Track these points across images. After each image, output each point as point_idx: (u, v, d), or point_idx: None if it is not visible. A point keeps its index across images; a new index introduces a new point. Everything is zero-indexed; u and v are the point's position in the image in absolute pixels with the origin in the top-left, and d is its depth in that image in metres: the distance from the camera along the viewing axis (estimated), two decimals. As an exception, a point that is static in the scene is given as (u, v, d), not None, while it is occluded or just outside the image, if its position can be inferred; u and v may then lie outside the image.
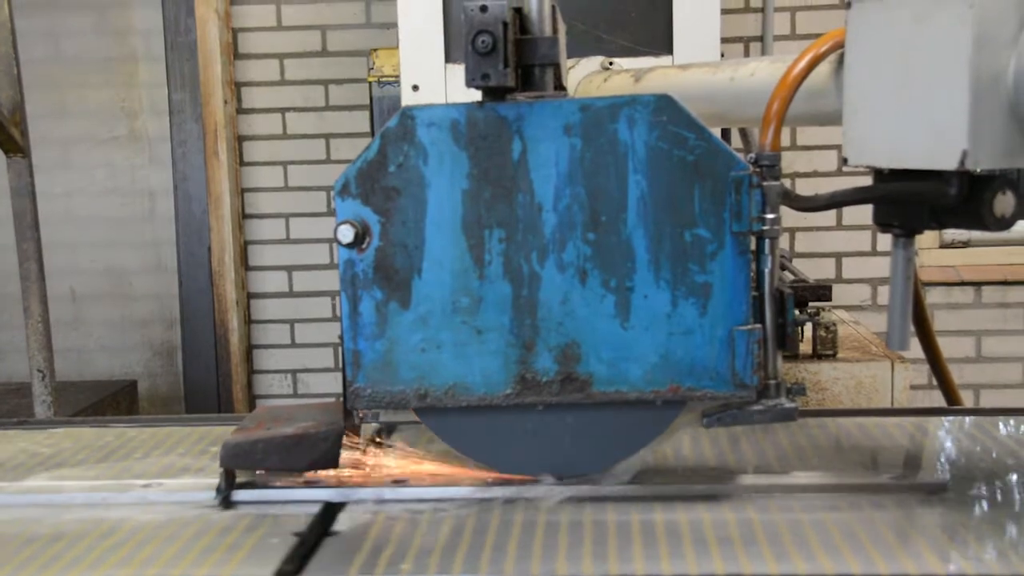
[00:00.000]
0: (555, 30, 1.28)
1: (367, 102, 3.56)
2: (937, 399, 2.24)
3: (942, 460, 1.44)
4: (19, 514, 1.31)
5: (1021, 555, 1.10)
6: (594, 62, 2.28)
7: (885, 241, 1.27)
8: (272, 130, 4.47)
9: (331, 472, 1.35)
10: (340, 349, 1.29)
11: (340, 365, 1.29)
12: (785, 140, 4.19)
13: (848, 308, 4.02)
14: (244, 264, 4.54)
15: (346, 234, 1.25)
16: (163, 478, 1.40)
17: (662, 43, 2.72)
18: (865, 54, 1.18)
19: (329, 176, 4.34)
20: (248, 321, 4.56)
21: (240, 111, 4.46)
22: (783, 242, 4.18)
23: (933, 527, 1.18)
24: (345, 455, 1.36)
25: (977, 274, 4.29)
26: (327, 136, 4.46)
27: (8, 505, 1.34)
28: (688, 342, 1.25)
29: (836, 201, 1.29)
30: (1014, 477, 1.34)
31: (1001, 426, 1.56)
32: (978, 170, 1.08)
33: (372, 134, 3.71)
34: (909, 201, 1.21)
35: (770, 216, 1.23)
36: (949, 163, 1.07)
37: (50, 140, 4.44)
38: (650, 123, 1.23)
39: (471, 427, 1.32)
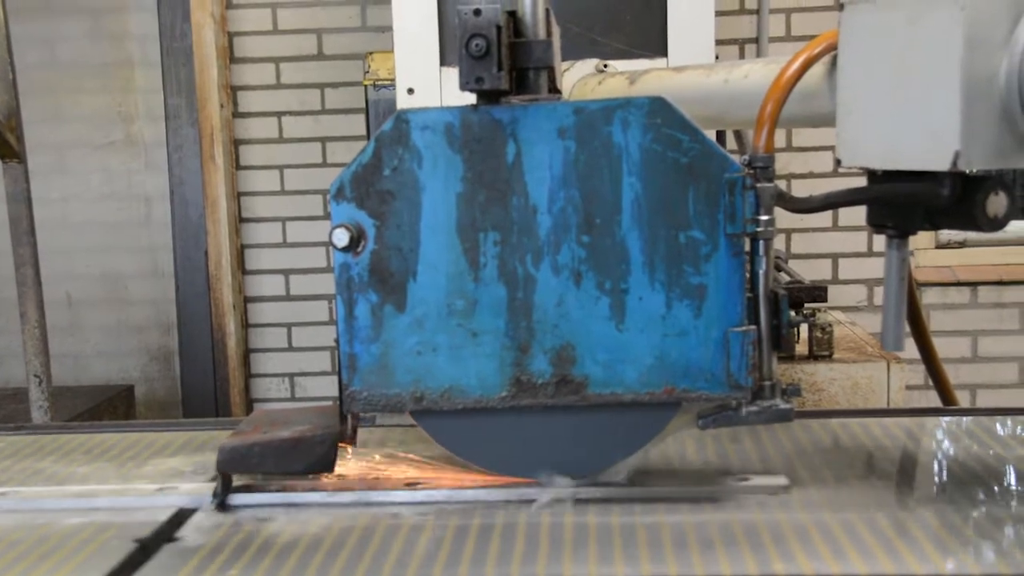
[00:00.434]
0: (549, 33, 1.28)
1: (363, 106, 3.56)
2: (933, 399, 2.24)
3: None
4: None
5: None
6: (589, 65, 2.28)
7: (881, 242, 1.28)
8: (268, 134, 4.48)
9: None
10: (336, 353, 1.30)
11: (337, 369, 1.29)
12: (781, 141, 4.21)
13: (844, 309, 4.03)
14: (241, 268, 4.54)
15: (341, 238, 1.25)
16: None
17: (657, 45, 2.72)
18: (858, 56, 1.19)
19: (325, 180, 4.34)
20: (245, 325, 4.56)
21: (236, 115, 4.47)
22: (779, 243, 4.20)
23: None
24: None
25: (973, 274, 4.29)
26: (323, 140, 4.46)
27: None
28: (683, 344, 1.25)
29: (830, 202, 1.29)
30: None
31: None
32: (971, 171, 1.09)
33: (368, 137, 3.71)
34: (903, 202, 1.22)
35: (764, 218, 1.23)
36: (942, 164, 1.07)
37: (46, 145, 4.44)
38: (644, 125, 1.23)
39: (467, 430, 1.32)
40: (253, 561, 1.14)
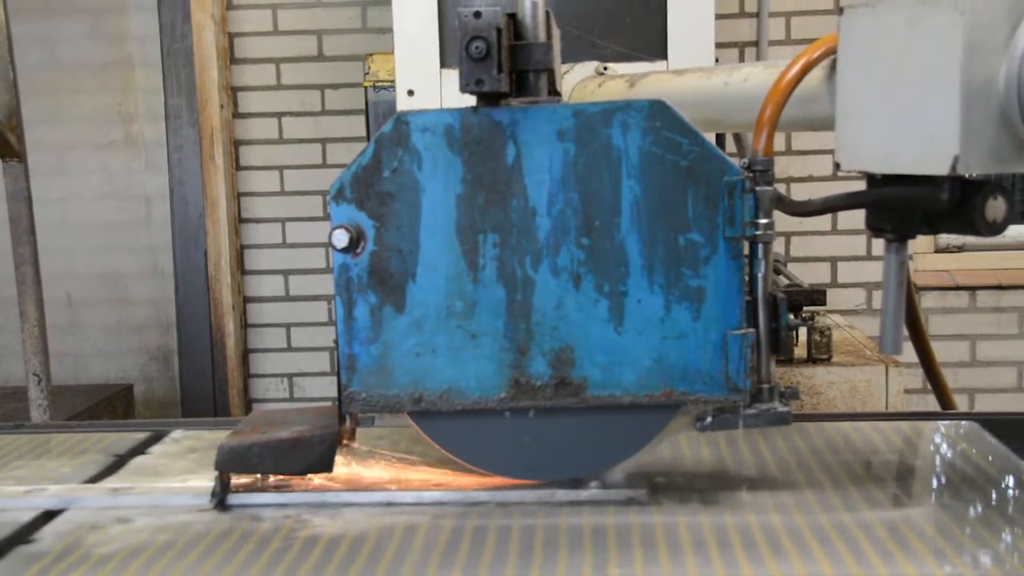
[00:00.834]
0: (549, 36, 1.28)
1: (363, 107, 3.56)
2: (931, 403, 2.24)
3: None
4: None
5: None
6: (588, 67, 2.28)
7: (880, 246, 1.28)
8: (268, 134, 4.48)
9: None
10: (335, 353, 1.30)
11: (335, 369, 1.30)
12: (780, 145, 4.21)
13: (843, 312, 4.04)
14: (240, 268, 4.54)
15: (341, 239, 1.25)
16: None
17: (657, 48, 2.72)
18: (857, 59, 1.19)
19: (325, 180, 4.34)
20: (244, 325, 4.57)
21: (236, 115, 4.47)
22: (778, 246, 4.20)
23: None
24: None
25: (971, 278, 4.30)
26: (323, 140, 4.46)
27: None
28: (681, 346, 1.26)
29: (829, 206, 1.29)
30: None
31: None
32: (970, 175, 1.09)
33: (368, 139, 3.71)
34: (901, 206, 1.22)
35: (763, 221, 1.24)
36: (941, 168, 1.07)
37: (46, 145, 4.45)
38: (644, 128, 1.23)
39: (465, 431, 1.32)
40: (96, 566, 1.15)
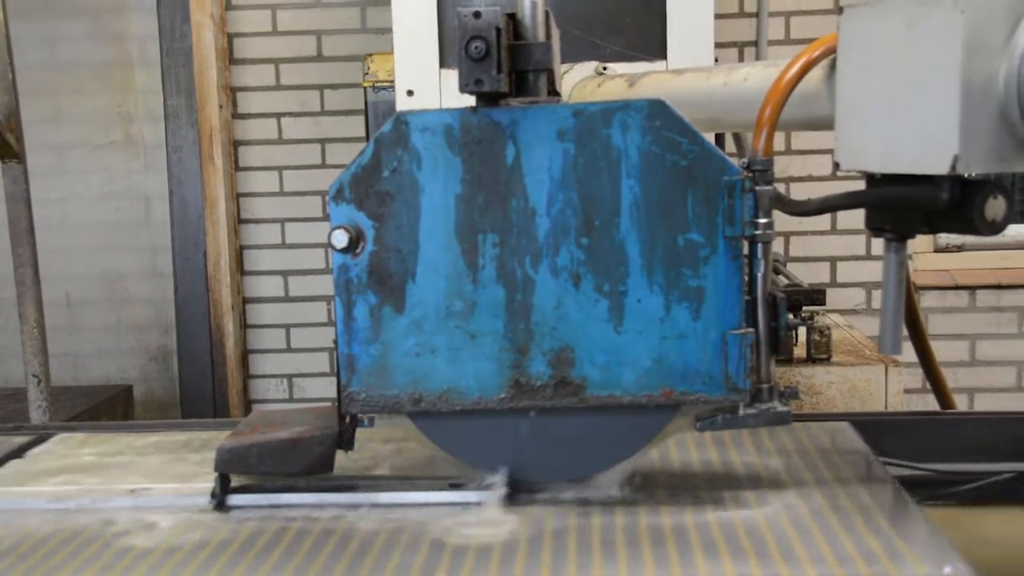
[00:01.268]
0: (549, 35, 1.28)
1: (362, 107, 3.56)
2: (931, 403, 2.24)
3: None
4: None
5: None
6: (588, 67, 2.28)
7: (879, 245, 1.28)
8: (267, 135, 4.48)
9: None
10: (335, 354, 1.30)
11: (335, 370, 1.29)
12: (780, 144, 4.21)
13: (843, 312, 4.03)
14: (240, 269, 4.54)
15: (340, 239, 1.25)
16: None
17: (656, 48, 2.72)
18: (857, 59, 1.19)
19: (324, 181, 4.34)
20: (244, 326, 4.56)
21: (236, 116, 4.47)
22: (778, 246, 4.20)
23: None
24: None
25: (971, 278, 4.30)
26: (322, 141, 4.46)
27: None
28: (681, 346, 1.26)
29: (828, 206, 1.29)
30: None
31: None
32: (969, 175, 1.09)
33: (367, 139, 3.72)
34: (901, 206, 1.22)
35: (763, 220, 1.24)
36: (940, 168, 1.07)
37: (46, 145, 4.44)
38: (643, 128, 1.23)
39: (465, 431, 1.32)
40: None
